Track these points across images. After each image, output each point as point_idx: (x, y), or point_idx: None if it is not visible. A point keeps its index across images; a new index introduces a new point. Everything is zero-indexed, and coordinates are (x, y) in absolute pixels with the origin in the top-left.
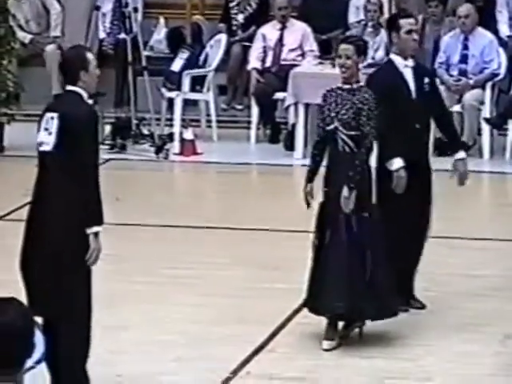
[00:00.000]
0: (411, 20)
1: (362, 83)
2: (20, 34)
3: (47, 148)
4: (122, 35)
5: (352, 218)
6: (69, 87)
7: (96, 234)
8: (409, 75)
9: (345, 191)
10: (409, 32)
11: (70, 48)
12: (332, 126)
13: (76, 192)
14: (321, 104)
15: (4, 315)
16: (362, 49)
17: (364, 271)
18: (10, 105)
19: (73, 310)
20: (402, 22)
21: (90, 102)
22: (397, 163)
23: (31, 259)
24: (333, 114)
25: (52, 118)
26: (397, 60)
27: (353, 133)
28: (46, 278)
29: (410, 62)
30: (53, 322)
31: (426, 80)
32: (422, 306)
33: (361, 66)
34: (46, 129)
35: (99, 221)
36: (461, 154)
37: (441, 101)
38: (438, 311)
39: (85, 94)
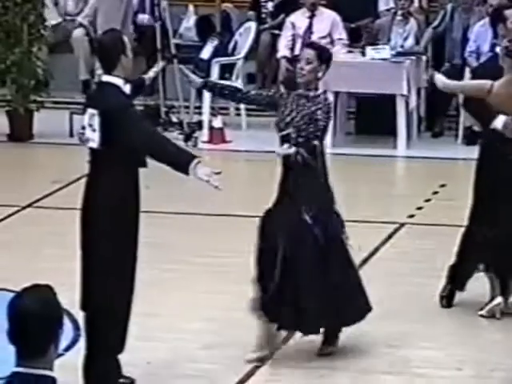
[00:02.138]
0: None
1: (320, 91)
2: (50, 15)
3: (94, 145)
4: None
5: (314, 227)
6: (105, 77)
7: (197, 166)
8: None
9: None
10: None
11: (105, 33)
12: (286, 132)
13: (129, 185)
14: (279, 100)
15: (23, 299)
16: (324, 57)
17: (328, 279)
18: (40, 92)
19: (108, 305)
20: (508, 12)
21: (128, 87)
22: (501, 117)
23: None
24: (288, 120)
25: (93, 115)
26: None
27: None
28: (85, 272)
29: None
30: (89, 313)
31: None
32: None
33: (388, 55)
34: (91, 125)
35: (189, 158)
36: None
37: None
38: (468, 300)
39: (122, 83)
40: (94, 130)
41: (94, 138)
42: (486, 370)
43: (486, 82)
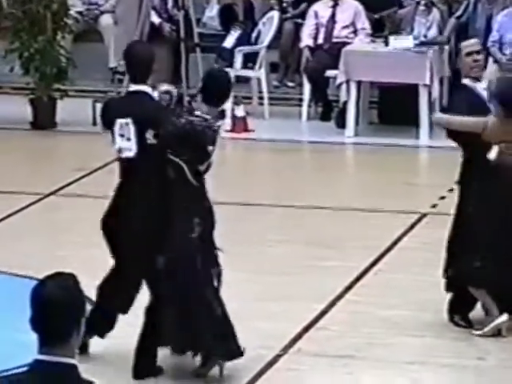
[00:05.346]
0: None
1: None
2: (74, 1)
3: (130, 154)
4: (175, 12)
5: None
6: (134, 87)
7: None
8: None
9: None
10: None
11: (134, 44)
12: None
13: (161, 193)
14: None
15: (46, 286)
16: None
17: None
18: (63, 80)
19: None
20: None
21: (156, 93)
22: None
23: None
24: None
25: (127, 123)
26: None
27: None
28: (122, 278)
29: None
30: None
31: None
32: None
33: (411, 45)
34: (122, 135)
35: None
36: None
37: None
38: None
39: (150, 90)
40: (128, 139)
41: (131, 147)
42: (508, 359)
43: (478, 121)
